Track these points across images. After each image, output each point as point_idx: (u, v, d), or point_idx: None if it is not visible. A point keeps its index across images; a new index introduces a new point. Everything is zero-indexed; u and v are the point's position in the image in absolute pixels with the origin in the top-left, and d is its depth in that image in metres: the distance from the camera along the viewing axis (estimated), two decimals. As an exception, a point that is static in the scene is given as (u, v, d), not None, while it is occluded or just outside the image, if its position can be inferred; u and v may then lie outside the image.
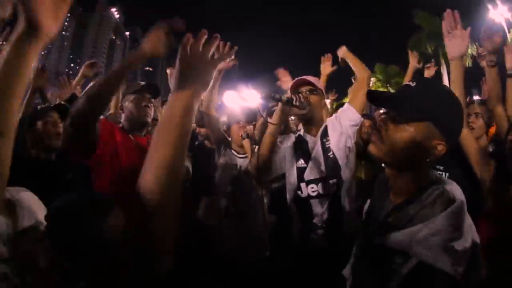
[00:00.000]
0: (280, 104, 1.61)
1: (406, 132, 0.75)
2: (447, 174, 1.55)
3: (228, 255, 1.89)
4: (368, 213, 0.97)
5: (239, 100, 2.08)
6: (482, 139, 1.95)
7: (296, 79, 1.80)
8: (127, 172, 1.49)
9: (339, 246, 1.46)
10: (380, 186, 0.94)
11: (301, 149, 1.81)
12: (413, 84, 0.78)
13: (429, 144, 0.75)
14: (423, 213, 0.73)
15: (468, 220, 0.72)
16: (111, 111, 3.17)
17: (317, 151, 1.76)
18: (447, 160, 1.52)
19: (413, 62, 2.98)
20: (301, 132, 1.87)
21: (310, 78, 1.79)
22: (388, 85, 24.61)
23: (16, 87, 0.67)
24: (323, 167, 1.73)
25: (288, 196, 1.86)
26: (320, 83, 1.88)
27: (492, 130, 2.13)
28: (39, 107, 1.75)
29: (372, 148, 0.81)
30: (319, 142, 1.77)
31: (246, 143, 2.08)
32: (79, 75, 2.78)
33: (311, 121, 1.81)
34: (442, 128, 0.74)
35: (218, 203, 2.07)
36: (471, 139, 1.39)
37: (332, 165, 1.72)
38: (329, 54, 2.68)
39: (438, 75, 20.07)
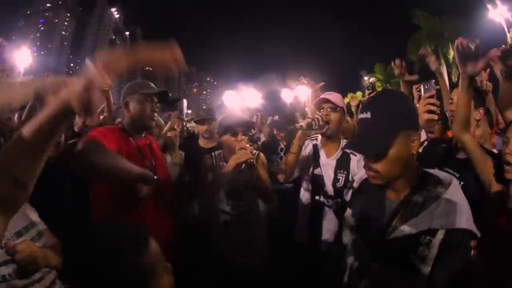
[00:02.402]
0: (300, 131, 1.73)
1: (392, 154, 0.87)
2: (461, 183, 1.48)
3: (228, 260, 1.87)
4: (364, 217, 1.02)
5: (239, 100, 2.07)
6: (485, 145, 1.96)
7: (320, 97, 1.89)
8: None
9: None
10: (369, 190, 1.01)
11: (315, 160, 1.90)
12: (368, 116, 0.90)
13: (411, 141, 0.88)
14: (430, 196, 0.87)
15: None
16: (105, 114, 3.16)
17: (328, 176, 1.84)
18: (463, 167, 1.49)
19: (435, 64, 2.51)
20: (318, 143, 1.94)
21: (332, 97, 1.85)
22: (388, 85, 24.63)
23: (47, 149, 0.70)
24: (331, 189, 1.83)
25: (302, 199, 1.97)
26: (342, 102, 1.92)
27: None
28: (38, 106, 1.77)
29: (375, 182, 0.92)
30: (332, 170, 1.83)
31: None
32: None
33: (329, 138, 1.88)
34: (411, 124, 0.88)
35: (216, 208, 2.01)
36: (474, 144, 1.37)
37: (339, 192, 1.81)
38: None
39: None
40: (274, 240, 2.05)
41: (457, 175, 1.51)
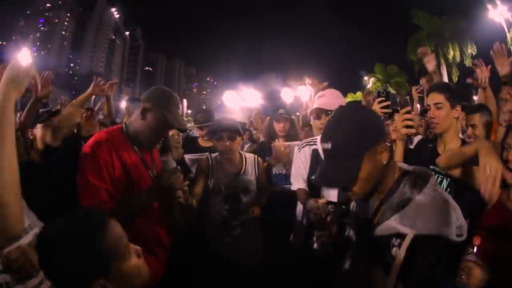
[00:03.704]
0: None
1: (363, 175, 0.86)
2: (448, 179, 1.53)
3: (224, 261, 1.87)
4: (355, 215, 1.07)
5: (239, 100, 2.08)
6: None
7: (315, 108, 1.89)
8: (135, 187, 1.44)
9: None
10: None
11: (316, 166, 1.84)
12: (328, 146, 0.88)
13: (378, 155, 0.88)
14: (405, 198, 0.87)
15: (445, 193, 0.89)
16: (105, 113, 3.16)
17: None
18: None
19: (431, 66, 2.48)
20: (318, 147, 1.86)
21: (326, 103, 1.86)
22: (388, 85, 24.63)
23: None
24: (335, 193, 1.79)
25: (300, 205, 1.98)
26: (337, 98, 1.93)
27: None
28: (40, 110, 1.77)
29: (352, 197, 0.97)
30: None
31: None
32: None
33: None
34: (376, 141, 0.86)
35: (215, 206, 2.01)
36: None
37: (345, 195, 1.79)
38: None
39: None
40: (272, 241, 2.06)
41: (443, 172, 1.55)
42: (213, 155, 2.02)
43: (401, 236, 0.83)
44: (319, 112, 1.84)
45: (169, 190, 1.35)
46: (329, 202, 1.07)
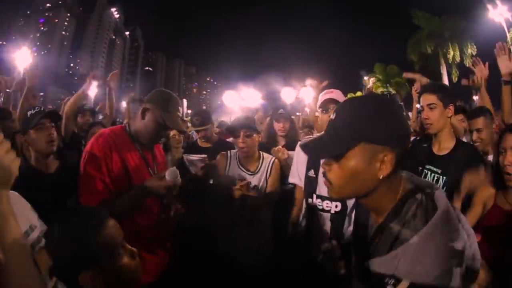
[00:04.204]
0: None
1: (344, 166, 0.73)
2: (444, 178, 1.55)
3: (234, 256, 1.88)
4: (355, 232, 0.95)
5: (239, 100, 2.09)
6: (487, 147, 2.03)
7: (325, 98, 1.84)
8: (134, 183, 1.48)
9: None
10: (360, 205, 0.90)
11: (313, 160, 1.84)
12: (333, 117, 0.77)
13: (374, 161, 0.72)
14: (405, 232, 0.71)
15: (456, 225, 0.70)
16: (107, 111, 3.16)
17: None
18: (444, 163, 1.57)
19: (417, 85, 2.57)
20: None
21: (335, 95, 1.83)
22: (387, 85, 24.64)
23: None
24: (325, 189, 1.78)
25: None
26: (343, 98, 1.88)
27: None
28: (29, 113, 1.63)
29: (329, 193, 0.80)
30: None
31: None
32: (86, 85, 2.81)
33: None
34: (378, 140, 0.71)
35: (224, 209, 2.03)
36: None
37: None
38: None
39: (438, 75, 20.12)
40: (275, 240, 2.07)
41: (439, 171, 1.57)
42: (232, 151, 2.07)
43: (396, 278, 0.70)
44: (328, 103, 1.79)
45: (157, 192, 1.42)
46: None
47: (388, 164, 0.71)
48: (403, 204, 0.74)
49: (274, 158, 2.10)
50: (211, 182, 2.19)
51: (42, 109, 1.67)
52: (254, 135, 1.95)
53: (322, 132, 0.92)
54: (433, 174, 1.59)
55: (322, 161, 0.80)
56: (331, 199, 1.79)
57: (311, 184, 1.83)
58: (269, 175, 2.03)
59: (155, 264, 1.52)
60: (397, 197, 0.75)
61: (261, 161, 2.03)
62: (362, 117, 0.72)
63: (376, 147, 0.71)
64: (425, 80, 2.40)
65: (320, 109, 1.85)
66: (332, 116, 0.78)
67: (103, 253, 0.83)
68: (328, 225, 1.79)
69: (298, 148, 1.96)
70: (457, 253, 0.67)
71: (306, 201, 1.88)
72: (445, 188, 1.53)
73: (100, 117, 3.54)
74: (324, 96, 1.85)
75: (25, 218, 1.08)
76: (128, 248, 0.90)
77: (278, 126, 2.51)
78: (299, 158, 1.92)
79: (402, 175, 0.79)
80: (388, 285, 0.71)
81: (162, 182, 1.40)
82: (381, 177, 0.72)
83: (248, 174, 1.99)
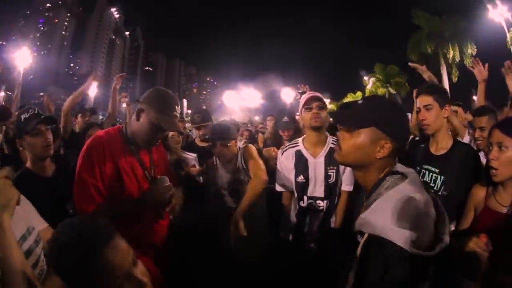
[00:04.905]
0: None
1: (356, 138, 0.92)
2: (442, 177, 1.57)
3: (232, 250, 1.89)
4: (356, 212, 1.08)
5: (239, 100, 2.09)
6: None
7: (309, 96, 1.89)
8: (130, 193, 1.46)
9: (329, 254, 1.73)
10: (363, 190, 1.06)
11: (300, 166, 1.90)
12: (360, 101, 0.98)
13: (376, 144, 0.90)
14: (377, 198, 0.88)
15: (414, 194, 0.81)
16: (109, 111, 3.16)
17: (319, 174, 1.87)
18: (442, 163, 1.59)
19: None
20: (301, 148, 1.93)
21: (318, 95, 1.90)
22: (388, 85, 24.66)
23: None
24: (322, 190, 1.87)
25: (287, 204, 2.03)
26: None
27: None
28: (23, 116, 1.58)
29: (335, 156, 1.00)
30: (322, 166, 1.87)
31: None
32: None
33: (317, 130, 1.87)
34: (385, 130, 0.90)
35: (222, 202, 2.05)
36: None
37: (331, 189, 1.88)
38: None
39: (438, 75, 20.13)
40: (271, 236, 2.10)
41: (437, 171, 1.59)
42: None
43: (362, 232, 0.84)
44: (312, 100, 1.84)
45: (157, 205, 1.44)
46: None
47: (385, 150, 0.90)
48: (382, 181, 0.92)
49: (240, 147, 2.07)
50: (201, 180, 2.23)
51: (36, 112, 1.62)
52: (230, 143, 1.94)
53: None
54: (431, 174, 1.61)
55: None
56: (322, 199, 1.89)
57: (301, 188, 1.91)
58: (244, 161, 1.99)
59: (152, 267, 1.50)
60: (381, 175, 0.93)
61: (238, 158, 2.04)
62: (381, 109, 0.93)
63: (382, 134, 0.90)
64: (428, 74, 2.42)
65: (304, 107, 1.87)
66: (360, 101, 0.97)
67: (103, 278, 0.75)
68: (318, 222, 1.90)
69: (280, 156, 1.99)
70: (407, 217, 0.76)
71: (297, 204, 1.94)
72: (443, 187, 1.55)
73: (100, 117, 3.54)
74: (307, 95, 1.91)
75: (25, 220, 1.07)
76: (136, 279, 0.80)
77: (283, 134, 2.72)
78: (284, 166, 1.96)
79: (393, 163, 0.96)
80: (359, 241, 0.84)
81: (160, 196, 1.42)
82: (378, 157, 0.91)
83: (228, 174, 2.01)
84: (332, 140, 1.90)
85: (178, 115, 1.53)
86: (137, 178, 1.49)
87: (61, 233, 0.78)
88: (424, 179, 1.61)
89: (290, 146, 1.97)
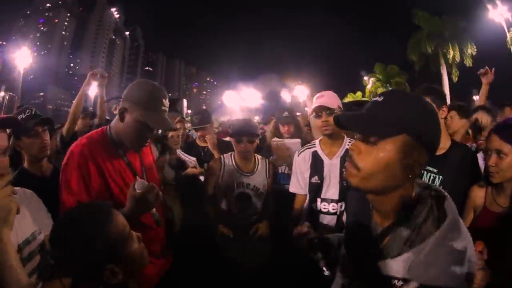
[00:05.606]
0: None
1: (382, 152, 0.69)
2: (440, 177, 1.57)
3: (233, 258, 1.89)
4: (350, 231, 0.92)
5: (239, 100, 2.09)
6: None
7: (316, 106, 1.86)
8: (117, 193, 1.31)
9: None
10: (359, 202, 0.88)
11: (316, 167, 1.89)
12: (380, 99, 0.73)
13: (411, 157, 0.69)
14: (416, 236, 0.70)
15: (463, 231, 0.70)
16: (98, 112, 3.09)
17: (334, 175, 1.85)
18: (440, 163, 1.58)
19: None
20: (318, 149, 1.92)
21: (326, 100, 1.84)
22: (387, 85, 24.64)
23: None
24: (337, 191, 1.83)
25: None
26: (336, 99, 1.91)
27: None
28: (20, 117, 1.56)
29: (350, 179, 0.73)
30: (337, 168, 1.84)
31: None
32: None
33: (331, 136, 1.86)
34: (419, 137, 0.69)
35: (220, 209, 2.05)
36: None
37: (346, 191, 1.81)
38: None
39: (438, 75, 20.12)
40: (275, 240, 2.07)
41: (435, 171, 1.59)
42: (225, 155, 2.09)
43: (405, 280, 0.69)
44: (320, 110, 1.82)
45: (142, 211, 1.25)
46: (311, 239, 1.07)
47: (420, 165, 0.69)
48: (414, 207, 0.71)
49: (268, 160, 2.13)
50: (202, 180, 2.22)
51: (33, 113, 1.61)
52: (255, 140, 1.98)
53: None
54: (429, 174, 1.61)
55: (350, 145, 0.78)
56: (336, 201, 1.84)
57: (314, 189, 1.88)
58: (269, 176, 2.06)
59: (155, 272, 1.43)
60: (409, 200, 0.72)
61: (256, 163, 2.07)
62: (412, 108, 0.70)
63: (416, 144, 0.68)
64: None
65: (312, 115, 1.88)
66: (380, 99, 0.74)
67: (118, 242, 0.84)
68: (331, 226, 1.83)
69: (296, 157, 1.99)
70: (464, 256, 0.66)
71: (310, 206, 1.91)
72: (441, 187, 1.55)
73: (96, 120, 3.51)
74: (316, 101, 1.87)
75: (30, 223, 1.07)
76: (134, 234, 0.92)
77: (283, 129, 2.65)
78: (299, 168, 1.95)
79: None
80: (395, 286, 0.69)
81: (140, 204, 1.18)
82: (410, 176, 0.69)
83: (245, 175, 2.01)
84: (349, 141, 1.88)
85: (167, 109, 1.34)
86: (127, 184, 1.33)
87: (60, 223, 0.86)
88: (423, 179, 1.62)
89: (307, 147, 1.97)
